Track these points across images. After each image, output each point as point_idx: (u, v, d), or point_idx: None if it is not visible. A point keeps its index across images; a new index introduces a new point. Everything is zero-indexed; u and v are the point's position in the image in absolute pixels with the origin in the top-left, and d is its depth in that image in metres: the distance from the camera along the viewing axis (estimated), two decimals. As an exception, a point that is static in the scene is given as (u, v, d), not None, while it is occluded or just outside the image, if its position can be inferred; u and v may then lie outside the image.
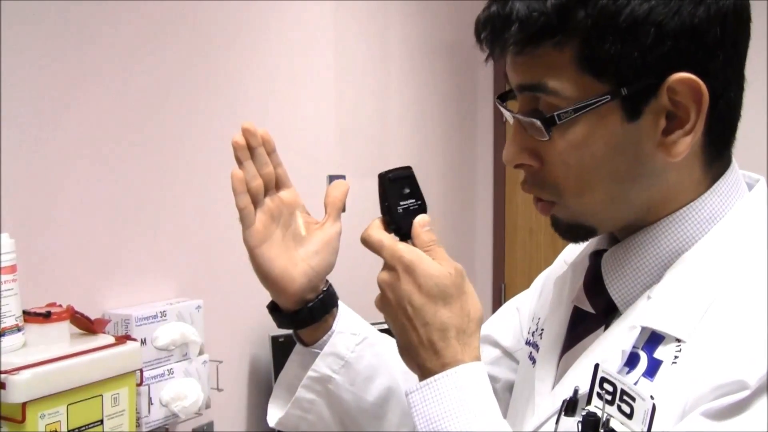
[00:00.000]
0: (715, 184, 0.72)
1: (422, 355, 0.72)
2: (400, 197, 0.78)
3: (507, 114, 0.74)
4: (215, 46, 1.94)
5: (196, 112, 1.86)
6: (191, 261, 1.86)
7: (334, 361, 0.86)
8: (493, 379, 0.96)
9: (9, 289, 1.21)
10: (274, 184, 0.85)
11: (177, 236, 1.82)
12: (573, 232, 0.76)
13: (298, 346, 0.90)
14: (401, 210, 0.78)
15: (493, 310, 1.08)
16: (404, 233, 0.77)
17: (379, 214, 0.80)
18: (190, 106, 1.85)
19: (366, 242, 0.77)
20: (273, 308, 0.87)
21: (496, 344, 0.97)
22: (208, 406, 1.74)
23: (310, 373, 0.86)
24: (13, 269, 1.22)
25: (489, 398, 0.71)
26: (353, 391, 0.87)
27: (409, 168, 0.80)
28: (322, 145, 2.41)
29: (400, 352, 0.76)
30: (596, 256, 0.78)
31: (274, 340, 2.05)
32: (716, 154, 0.72)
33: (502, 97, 0.76)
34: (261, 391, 2.09)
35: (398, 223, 0.77)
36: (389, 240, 0.76)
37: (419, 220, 0.77)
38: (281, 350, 2.03)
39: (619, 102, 0.67)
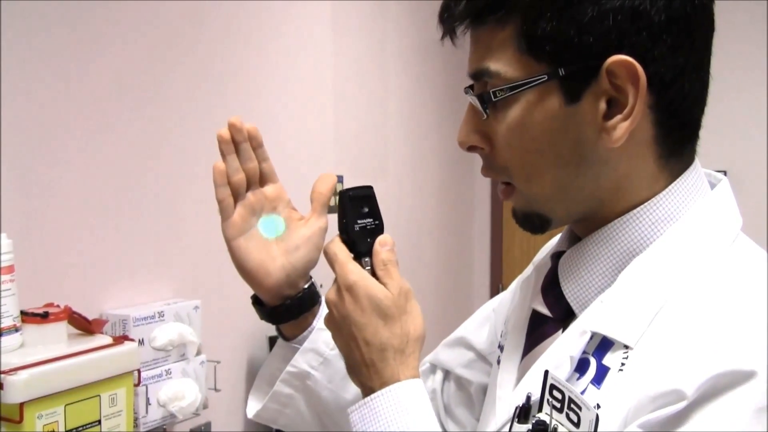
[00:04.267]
0: (674, 183, 0.70)
1: (364, 374, 0.74)
2: (358, 216, 0.79)
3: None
4: (212, 46, 1.94)
5: (194, 112, 1.86)
6: (189, 261, 1.86)
7: (313, 357, 0.87)
8: (467, 382, 0.96)
9: (7, 290, 1.21)
10: (259, 179, 0.85)
11: (175, 237, 1.82)
12: (529, 221, 0.75)
13: (281, 340, 0.90)
14: (358, 228, 0.79)
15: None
16: (359, 251, 0.78)
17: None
18: (188, 107, 1.85)
19: (325, 254, 0.79)
20: (255, 301, 0.88)
21: (470, 347, 0.96)
22: (205, 407, 1.74)
23: (288, 368, 0.87)
24: (10, 269, 1.22)
25: (426, 414, 0.71)
26: (331, 388, 0.88)
27: (370, 188, 0.81)
28: (320, 146, 2.41)
29: (347, 370, 0.77)
30: (556, 258, 0.76)
31: (272, 340, 2.05)
32: (673, 149, 0.70)
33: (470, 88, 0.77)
34: (259, 392, 2.09)
35: (354, 240, 0.78)
36: (343, 256, 0.77)
37: (381, 239, 0.78)
38: (279, 351, 2.03)
39: (558, 83, 0.66)
